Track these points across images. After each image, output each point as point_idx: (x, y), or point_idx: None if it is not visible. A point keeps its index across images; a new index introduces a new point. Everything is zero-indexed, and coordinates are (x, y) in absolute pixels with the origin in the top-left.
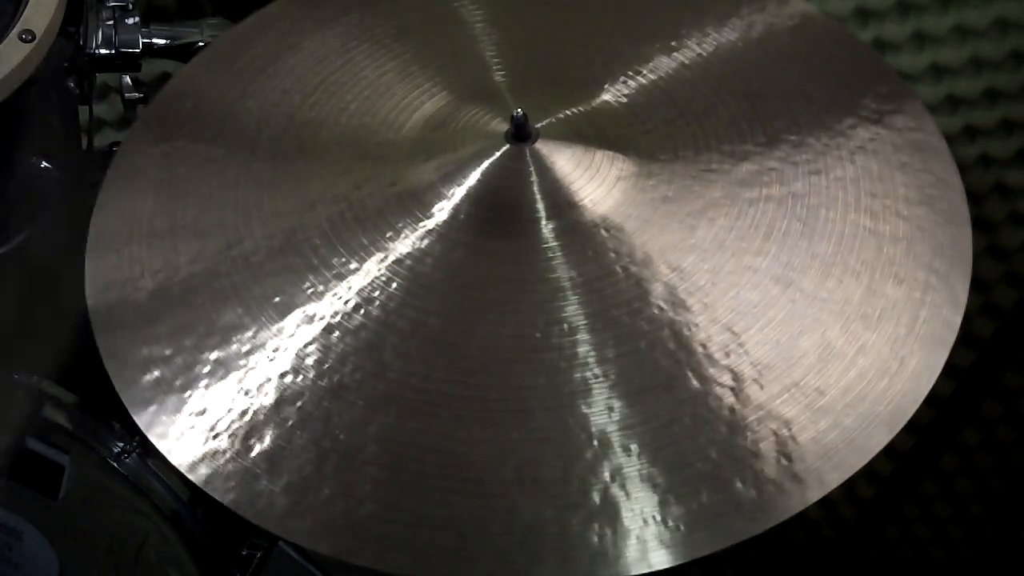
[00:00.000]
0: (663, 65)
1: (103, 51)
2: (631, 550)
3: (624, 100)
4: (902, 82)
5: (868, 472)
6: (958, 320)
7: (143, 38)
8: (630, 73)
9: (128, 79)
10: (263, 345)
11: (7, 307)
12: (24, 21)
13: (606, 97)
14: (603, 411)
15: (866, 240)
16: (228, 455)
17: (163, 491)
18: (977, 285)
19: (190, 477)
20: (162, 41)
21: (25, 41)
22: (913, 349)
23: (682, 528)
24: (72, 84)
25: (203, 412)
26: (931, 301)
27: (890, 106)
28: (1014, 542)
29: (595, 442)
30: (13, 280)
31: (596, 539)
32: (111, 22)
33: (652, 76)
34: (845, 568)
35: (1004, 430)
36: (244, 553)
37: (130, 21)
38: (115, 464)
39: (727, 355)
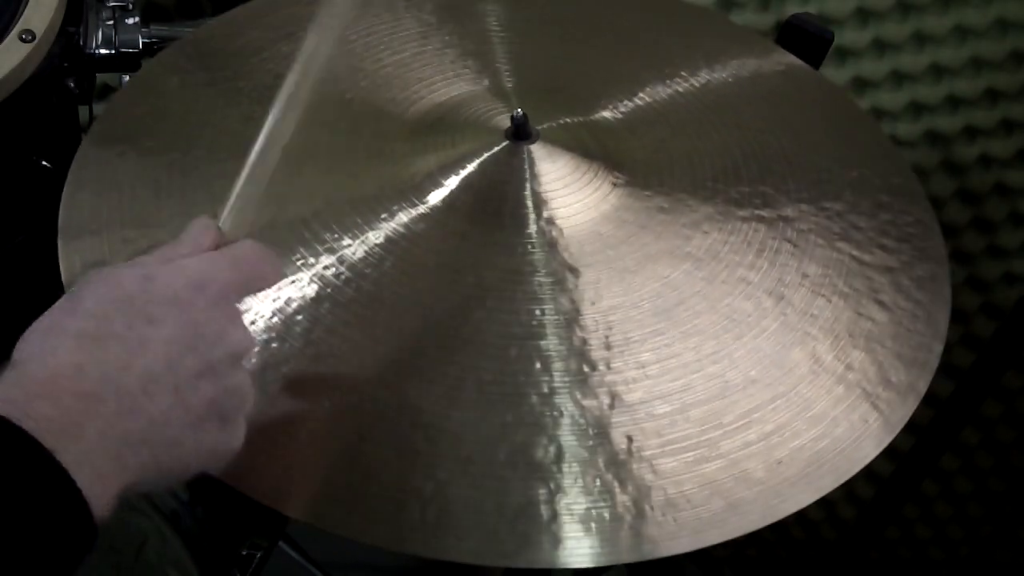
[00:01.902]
0: (658, 91)
1: (103, 51)
2: (624, 538)
3: (621, 116)
4: (881, 129)
5: (868, 472)
6: (940, 348)
7: (143, 38)
8: (627, 93)
9: (128, 79)
10: (248, 310)
11: (7, 306)
12: (24, 21)
13: (605, 113)
14: (598, 399)
15: (852, 267)
16: None
17: (163, 491)
18: (977, 285)
19: None
20: (162, 41)
21: (25, 41)
22: (899, 370)
23: (675, 519)
24: (72, 84)
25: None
26: (915, 329)
27: (872, 150)
28: (1014, 542)
29: (590, 429)
30: (13, 280)
31: (589, 524)
32: (111, 22)
33: (647, 99)
34: (845, 568)
35: (1004, 430)
36: (244, 553)
37: (130, 21)
38: None
39: (715, 362)
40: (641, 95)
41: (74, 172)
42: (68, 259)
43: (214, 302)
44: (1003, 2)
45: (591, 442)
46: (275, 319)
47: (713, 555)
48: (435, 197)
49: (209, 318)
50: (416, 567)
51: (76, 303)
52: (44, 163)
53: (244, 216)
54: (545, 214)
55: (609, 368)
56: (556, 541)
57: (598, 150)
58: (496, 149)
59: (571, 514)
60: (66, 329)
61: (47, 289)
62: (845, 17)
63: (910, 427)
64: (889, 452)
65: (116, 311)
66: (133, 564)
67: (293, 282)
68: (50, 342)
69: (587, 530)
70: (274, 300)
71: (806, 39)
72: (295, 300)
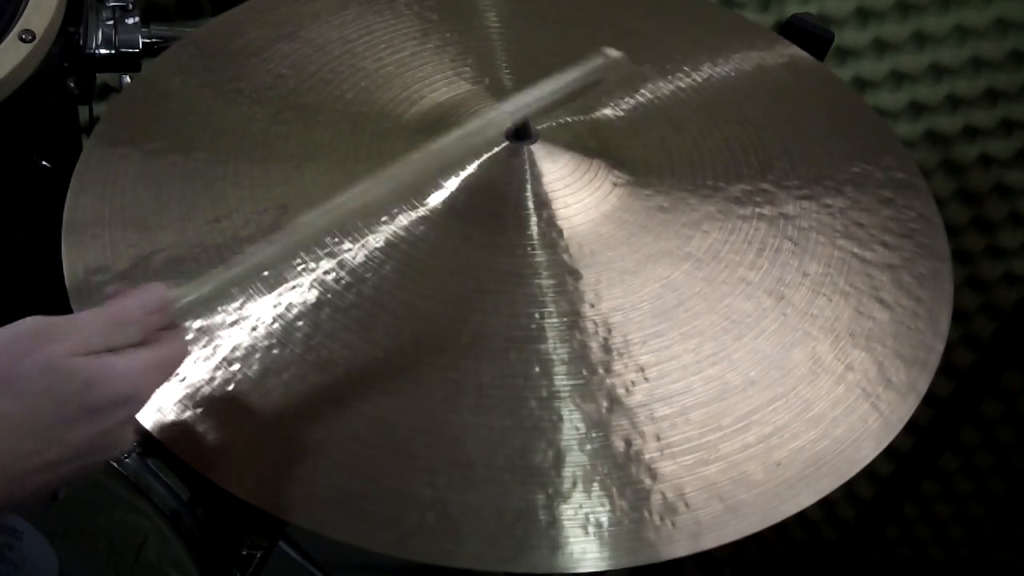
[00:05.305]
0: (659, 88)
1: (103, 51)
2: (622, 542)
3: (622, 114)
4: (884, 122)
5: (868, 472)
6: (941, 347)
7: (143, 38)
8: (628, 90)
9: (128, 79)
10: (249, 317)
11: (7, 306)
12: (24, 21)
13: (605, 111)
14: (597, 403)
15: (854, 265)
16: (208, 424)
17: (163, 491)
18: (977, 285)
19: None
20: (162, 41)
21: (25, 41)
22: (899, 370)
23: (673, 524)
24: (72, 84)
25: (182, 380)
26: (916, 327)
27: (874, 144)
28: (1014, 542)
29: (589, 433)
30: (13, 280)
31: (587, 529)
32: (111, 22)
33: (649, 95)
34: (845, 568)
35: (1004, 430)
36: (244, 553)
37: (130, 21)
38: (115, 464)
39: (715, 364)
40: (643, 91)
41: (77, 174)
42: (71, 261)
43: (129, 417)
44: (1003, 2)
45: (590, 446)
46: (276, 325)
47: (713, 555)
48: (435, 199)
49: (116, 434)
50: (416, 568)
51: (22, 375)
52: (44, 163)
53: (204, 303)
54: (546, 215)
55: (608, 371)
56: (555, 546)
57: (599, 149)
58: (496, 149)
59: (570, 519)
60: None
61: (47, 289)
62: (845, 17)
63: (910, 427)
64: (889, 452)
65: (50, 407)
66: (133, 564)
67: (294, 288)
68: None
69: (585, 535)
70: (275, 306)
71: (806, 39)
72: (296, 306)
